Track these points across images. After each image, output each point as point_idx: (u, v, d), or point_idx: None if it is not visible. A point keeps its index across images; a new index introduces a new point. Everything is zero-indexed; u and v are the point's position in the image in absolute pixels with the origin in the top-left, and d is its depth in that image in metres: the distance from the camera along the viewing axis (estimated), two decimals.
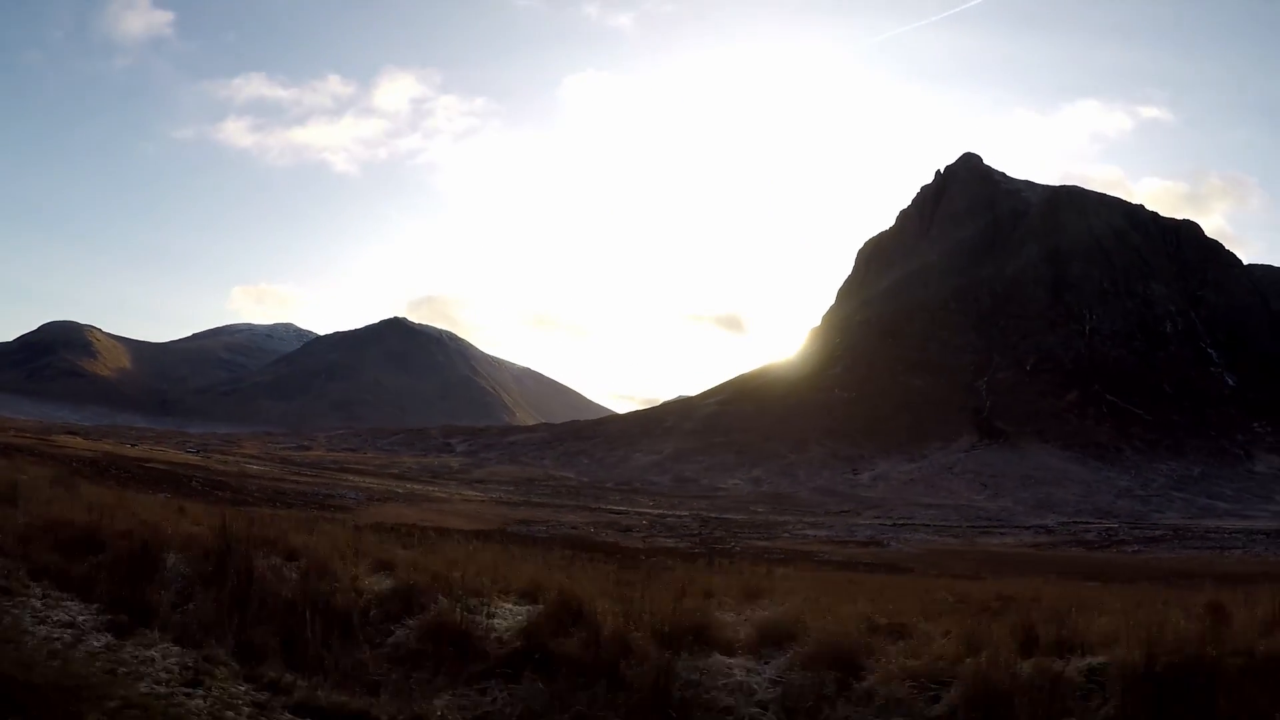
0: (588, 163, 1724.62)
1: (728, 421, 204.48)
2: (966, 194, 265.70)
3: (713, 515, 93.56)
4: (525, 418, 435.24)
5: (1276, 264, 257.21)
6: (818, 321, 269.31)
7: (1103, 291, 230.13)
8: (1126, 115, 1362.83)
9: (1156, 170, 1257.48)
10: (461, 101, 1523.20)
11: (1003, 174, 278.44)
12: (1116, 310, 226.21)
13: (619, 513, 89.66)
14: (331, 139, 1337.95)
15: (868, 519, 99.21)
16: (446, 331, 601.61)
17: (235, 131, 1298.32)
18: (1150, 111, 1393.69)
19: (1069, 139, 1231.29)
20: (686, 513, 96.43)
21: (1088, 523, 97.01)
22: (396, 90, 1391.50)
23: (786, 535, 76.14)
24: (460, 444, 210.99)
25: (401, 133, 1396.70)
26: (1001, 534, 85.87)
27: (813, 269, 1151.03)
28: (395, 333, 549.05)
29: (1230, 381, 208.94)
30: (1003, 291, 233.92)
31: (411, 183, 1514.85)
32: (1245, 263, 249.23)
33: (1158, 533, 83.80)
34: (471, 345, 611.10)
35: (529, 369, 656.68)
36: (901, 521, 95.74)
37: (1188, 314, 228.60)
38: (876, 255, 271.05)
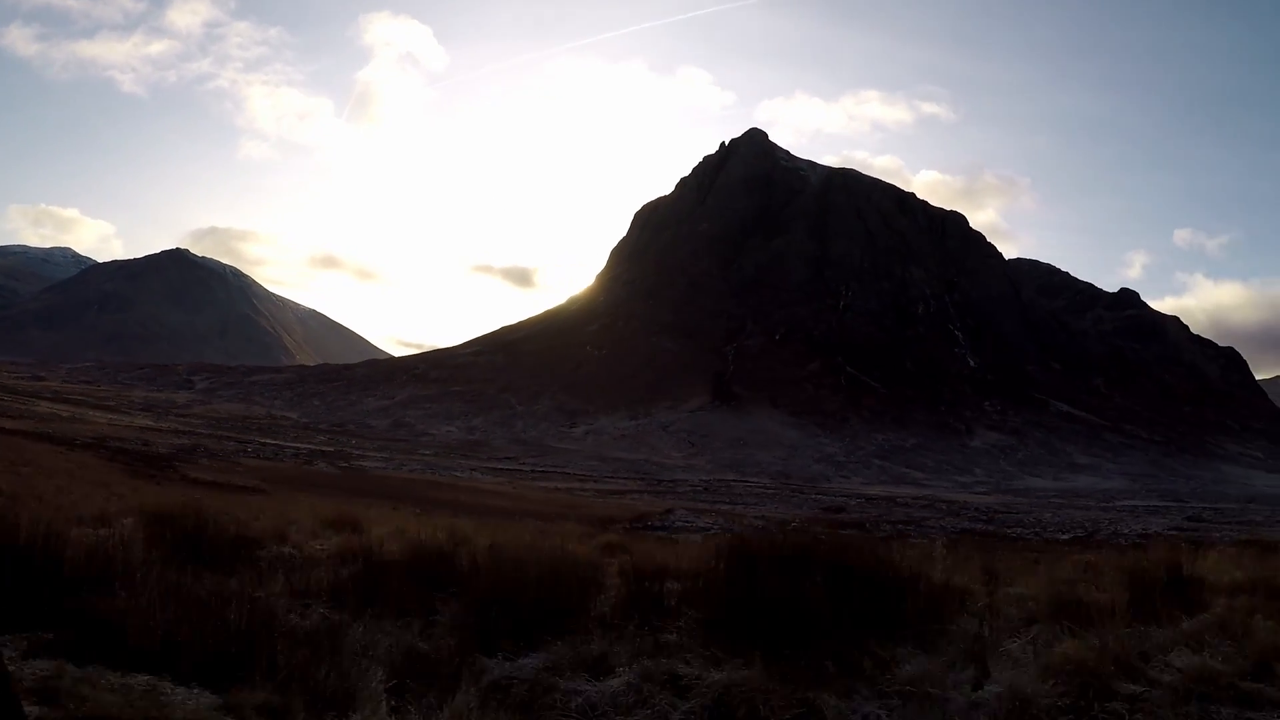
0: (382, 105, 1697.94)
1: (475, 372, 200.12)
2: (746, 168, 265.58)
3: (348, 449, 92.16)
4: (306, 359, 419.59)
5: (1039, 259, 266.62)
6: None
7: (862, 271, 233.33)
8: (908, 109, 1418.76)
9: (936, 164, 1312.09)
10: (255, 29, 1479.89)
11: (786, 152, 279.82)
12: (872, 289, 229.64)
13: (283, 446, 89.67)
14: (120, 56, 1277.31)
15: (475, 462, 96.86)
16: (230, 267, 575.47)
17: (19, 39, 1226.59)
18: (931, 108, 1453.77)
19: (853, 126, 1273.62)
20: (329, 447, 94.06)
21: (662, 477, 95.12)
22: (190, 10, 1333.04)
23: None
24: (202, 381, 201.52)
25: (192, 56, 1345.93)
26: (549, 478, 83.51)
27: (603, 230, 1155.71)
28: (176, 265, 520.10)
29: (971, 363, 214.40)
30: (766, 263, 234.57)
31: (200, 110, 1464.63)
32: (1010, 256, 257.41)
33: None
34: (255, 282, 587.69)
35: (314, 310, 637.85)
36: (516, 467, 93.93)
37: (941, 298, 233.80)
38: (652, 220, 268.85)
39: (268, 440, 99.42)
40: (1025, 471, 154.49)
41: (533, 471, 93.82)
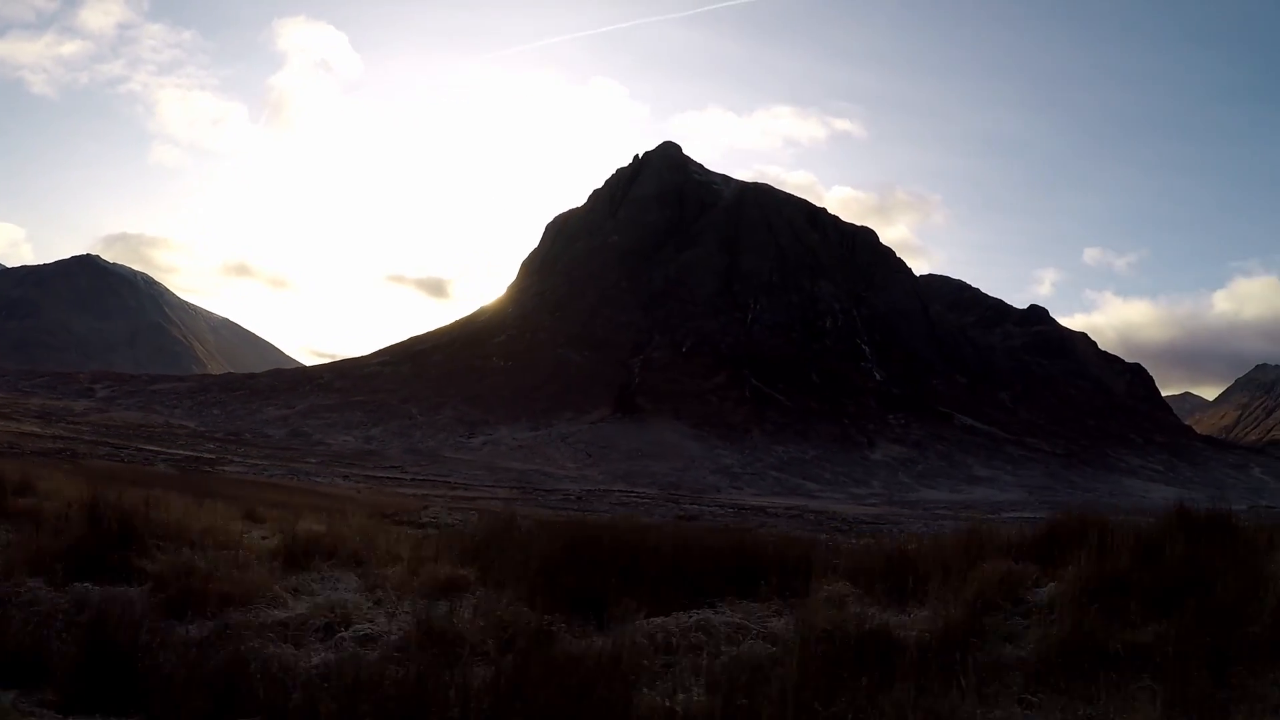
0: (296, 112, 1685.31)
1: (380, 383, 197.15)
2: (659, 180, 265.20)
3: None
4: (217, 369, 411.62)
5: (951, 275, 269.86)
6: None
7: (771, 284, 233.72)
8: (821, 125, 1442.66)
9: (849, 180, 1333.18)
10: (169, 32, 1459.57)
11: (700, 166, 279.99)
12: (781, 303, 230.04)
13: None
14: (30, 56, 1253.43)
15: (357, 470, 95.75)
16: (141, 274, 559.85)
17: None
18: (844, 124, 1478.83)
19: (767, 141, 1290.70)
20: (210, 454, 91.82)
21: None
22: (103, 11, 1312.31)
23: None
24: (103, 390, 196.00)
25: (105, 58, 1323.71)
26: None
27: (518, 241, 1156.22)
28: (86, 271, 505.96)
29: (878, 376, 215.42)
30: (676, 276, 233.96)
31: (112, 113, 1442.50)
32: (922, 272, 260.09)
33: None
34: (167, 290, 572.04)
35: (227, 319, 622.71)
36: (396, 476, 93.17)
37: (850, 312, 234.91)
38: (563, 231, 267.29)
39: (146, 446, 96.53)
40: (923, 484, 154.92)
41: (413, 480, 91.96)
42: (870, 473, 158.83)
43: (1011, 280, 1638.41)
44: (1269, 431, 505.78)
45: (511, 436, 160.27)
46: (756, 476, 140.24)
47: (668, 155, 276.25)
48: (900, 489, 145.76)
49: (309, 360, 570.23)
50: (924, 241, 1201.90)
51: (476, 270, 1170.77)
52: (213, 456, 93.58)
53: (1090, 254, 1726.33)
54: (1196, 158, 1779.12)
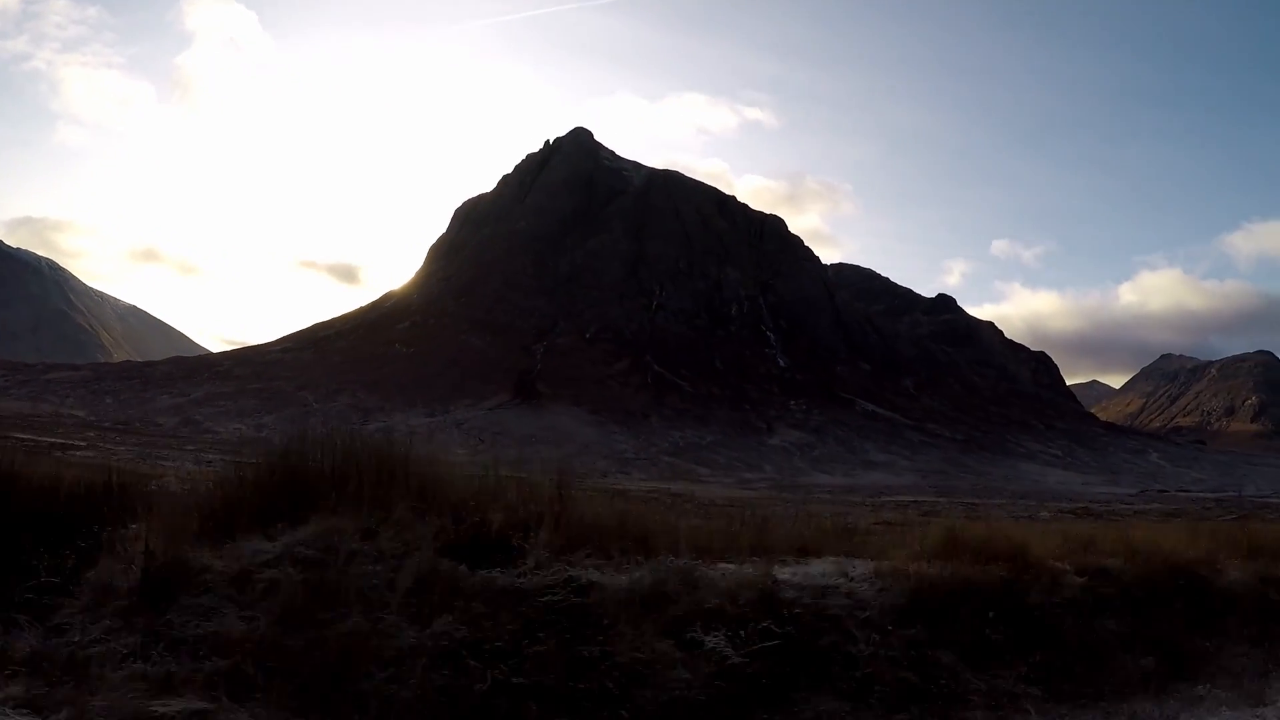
0: (205, 92, 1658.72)
1: (280, 370, 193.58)
2: (569, 166, 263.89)
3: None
4: (125, 358, 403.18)
5: (861, 264, 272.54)
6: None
7: (678, 271, 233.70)
8: (732, 113, 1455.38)
9: (760, 169, 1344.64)
10: (74, 7, 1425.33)
11: (611, 152, 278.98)
12: (687, 289, 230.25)
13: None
14: None
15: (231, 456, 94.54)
16: (46, 259, 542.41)
17: None
18: (755, 113, 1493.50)
19: (679, 129, 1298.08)
20: (81, 441, 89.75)
21: None
22: None
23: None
24: None
25: (8, 33, 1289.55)
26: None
27: (430, 226, 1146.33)
28: None
29: (781, 363, 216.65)
30: (582, 262, 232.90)
31: (15, 91, 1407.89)
32: (833, 261, 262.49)
33: None
34: (72, 276, 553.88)
35: (134, 306, 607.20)
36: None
37: (756, 299, 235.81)
38: (471, 216, 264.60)
39: (19, 435, 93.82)
40: (817, 468, 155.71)
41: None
42: (765, 458, 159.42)
43: (921, 270, 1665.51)
44: (1172, 419, 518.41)
45: (406, 423, 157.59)
46: (649, 462, 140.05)
47: (578, 141, 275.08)
48: (793, 473, 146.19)
49: (219, 348, 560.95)
50: (835, 231, 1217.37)
51: (388, 255, 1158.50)
52: (83, 444, 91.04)
53: (999, 246, 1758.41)
54: (1103, 155, 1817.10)
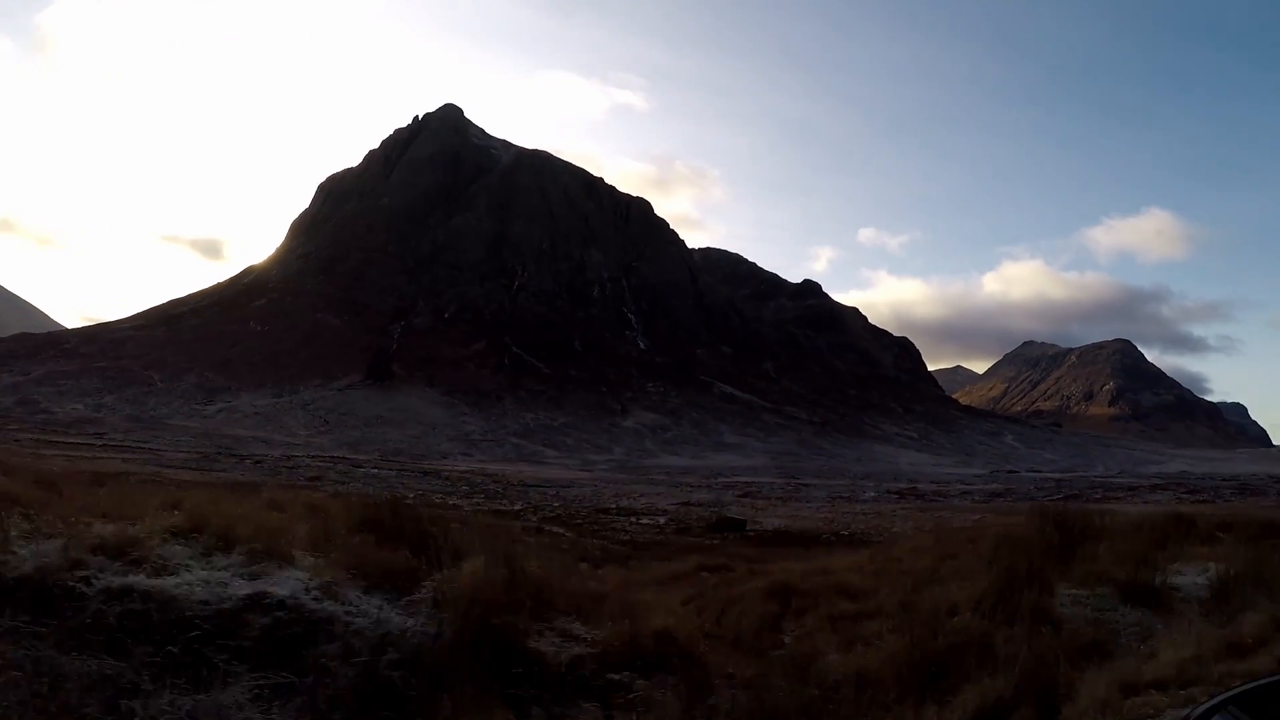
0: (66, 53, 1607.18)
1: (130, 348, 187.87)
2: (437, 143, 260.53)
3: None
4: None
5: (730, 249, 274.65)
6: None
7: (541, 252, 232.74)
8: (604, 95, 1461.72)
9: (630, 151, 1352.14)
10: None
11: (481, 130, 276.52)
12: (549, 270, 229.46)
13: None
14: None
15: (53, 438, 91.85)
16: None
17: None
18: (626, 95, 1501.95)
19: (550, 109, 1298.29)
20: None
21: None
22: None
23: None
24: None
25: None
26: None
27: (295, 201, 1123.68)
28: None
29: (642, 345, 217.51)
30: (445, 241, 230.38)
31: None
32: (701, 245, 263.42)
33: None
34: None
35: None
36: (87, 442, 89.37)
37: (619, 281, 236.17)
38: (335, 192, 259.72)
39: None
40: (666, 450, 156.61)
41: (103, 447, 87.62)
42: (616, 439, 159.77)
43: (789, 257, 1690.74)
44: (1034, 403, 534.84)
45: (251, 404, 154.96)
46: (495, 444, 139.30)
47: (447, 118, 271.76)
48: (642, 455, 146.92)
49: (78, 324, 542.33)
50: (704, 216, 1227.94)
51: (254, 230, 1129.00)
52: None
53: (865, 234, 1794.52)
54: (971, 149, 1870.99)
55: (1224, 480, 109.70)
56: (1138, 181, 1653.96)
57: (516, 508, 49.65)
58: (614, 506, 55.61)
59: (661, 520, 46.11)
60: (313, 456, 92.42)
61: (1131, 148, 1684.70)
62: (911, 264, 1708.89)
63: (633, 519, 47.04)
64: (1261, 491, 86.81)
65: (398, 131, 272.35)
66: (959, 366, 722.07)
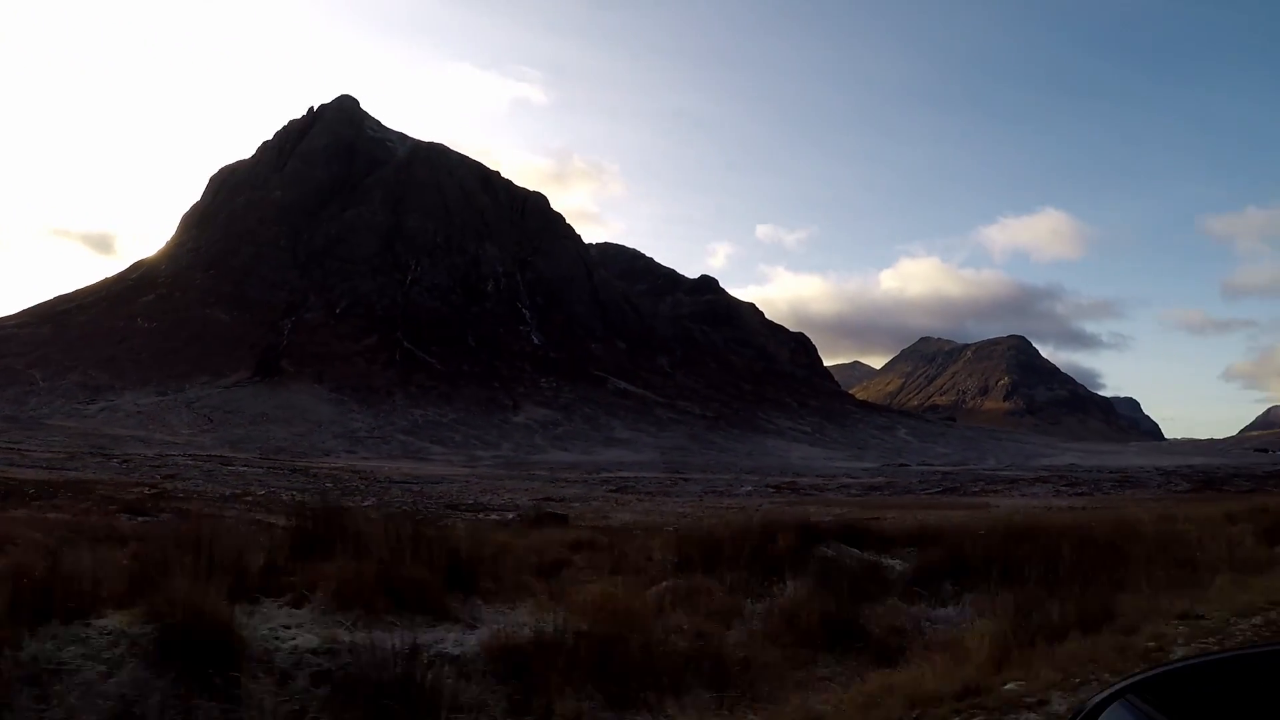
0: None
1: (13, 345, 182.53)
2: (331, 134, 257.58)
3: None
4: None
5: (628, 244, 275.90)
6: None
7: (435, 246, 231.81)
8: (503, 88, 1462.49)
9: (528, 145, 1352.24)
10: None
11: (377, 122, 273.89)
12: (444, 265, 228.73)
13: None
14: None
15: None
16: None
17: None
18: (525, 88, 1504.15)
19: (448, 101, 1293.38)
20: None
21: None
22: None
23: None
24: None
25: None
26: None
27: (190, 193, 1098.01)
28: None
29: (536, 340, 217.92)
30: (337, 235, 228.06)
31: None
32: (599, 240, 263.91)
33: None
34: None
35: None
36: None
37: (514, 276, 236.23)
38: (227, 184, 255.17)
39: None
40: (556, 446, 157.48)
41: None
42: (506, 435, 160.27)
43: (688, 252, 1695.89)
44: (930, 398, 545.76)
45: (135, 402, 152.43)
46: (381, 440, 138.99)
47: (343, 109, 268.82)
48: (530, 451, 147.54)
49: None
50: (602, 210, 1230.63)
51: (147, 224, 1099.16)
52: None
53: (763, 230, 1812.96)
54: (869, 147, 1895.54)
55: (1110, 473, 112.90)
56: (1033, 181, 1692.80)
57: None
58: (469, 503, 56.06)
59: (510, 516, 46.64)
60: (189, 456, 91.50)
61: (1027, 148, 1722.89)
62: (809, 260, 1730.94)
63: (480, 514, 47.51)
64: (1142, 484, 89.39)
65: (292, 122, 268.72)
66: (856, 362, 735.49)
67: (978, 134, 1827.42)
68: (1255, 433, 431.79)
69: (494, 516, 46.09)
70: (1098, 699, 2.54)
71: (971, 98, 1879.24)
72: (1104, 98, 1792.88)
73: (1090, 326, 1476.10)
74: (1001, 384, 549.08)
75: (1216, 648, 7.69)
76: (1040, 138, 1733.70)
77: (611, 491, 76.88)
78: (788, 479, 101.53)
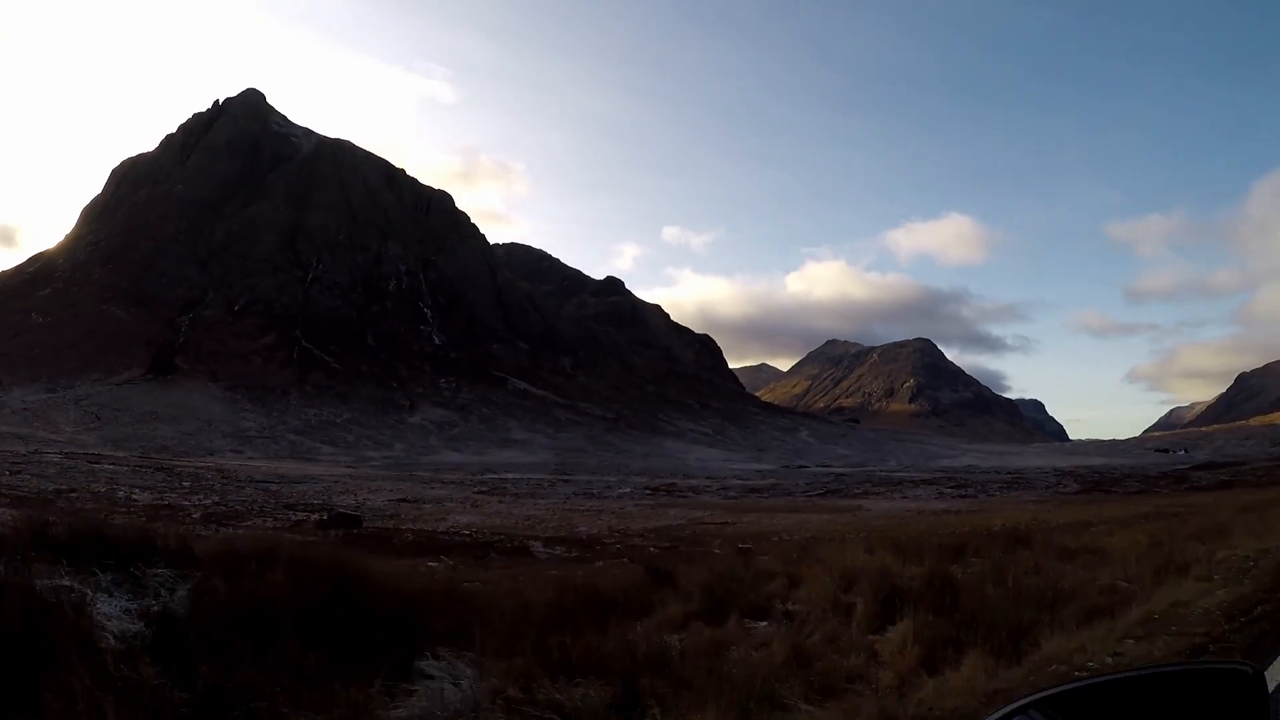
0: None
1: None
2: (236, 128, 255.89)
3: None
4: None
5: (535, 245, 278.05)
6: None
7: (337, 244, 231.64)
8: (411, 84, 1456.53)
9: (436, 144, 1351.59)
10: None
11: (284, 117, 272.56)
12: (345, 263, 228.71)
13: None
14: None
15: None
16: None
17: None
18: (433, 86, 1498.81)
19: (357, 97, 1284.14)
20: None
21: None
22: None
23: None
24: None
25: None
26: None
27: (93, 186, 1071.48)
28: None
29: (437, 340, 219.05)
30: (238, 231, 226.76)
31: None
32: (506, 240, 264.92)
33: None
34: None
35: None
36: None
37: (416, 275, 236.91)
38: (129, 177, 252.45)
39: None
40: (449, 446, 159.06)
41: None
42: (400, 435, 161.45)
43: (595, 254, 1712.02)
44: (836, 400, 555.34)
45: (22, 400, 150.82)
46: (270, 440, 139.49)
47: (248, 103, 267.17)
48: (422, 451, 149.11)
49: None
50: (511, 211, 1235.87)
51: (49, 217, 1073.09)
52: None
53: (670, 232, 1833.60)
54: (776, 151, 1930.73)
55: (1006, 474, 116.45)
56: (938, 187, 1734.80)
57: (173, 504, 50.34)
58: (315, 504, 57.41)
59: (314, 518, 47.84)
60: (65, 454, 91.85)
61: (932, 153, 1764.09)
62: (716, 263, 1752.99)
63: (292, 517, 48.65)
64: (1031, 486, 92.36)
65: (196, 116, 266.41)
66: (764, 364, 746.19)
67: (884, 139, 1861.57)
68: (1157, 433, 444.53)
69: (297, 517, 47.54)
70: (1000, 713, 2.60)
71: (877, 103, 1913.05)
72: (1010, 105, 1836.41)
73: (996, 329, 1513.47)
74: (907, 386, 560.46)
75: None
76: (945, 143, 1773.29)
77: (479, 493, 78.48)
78: (667, 481, 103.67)
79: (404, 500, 64.34)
